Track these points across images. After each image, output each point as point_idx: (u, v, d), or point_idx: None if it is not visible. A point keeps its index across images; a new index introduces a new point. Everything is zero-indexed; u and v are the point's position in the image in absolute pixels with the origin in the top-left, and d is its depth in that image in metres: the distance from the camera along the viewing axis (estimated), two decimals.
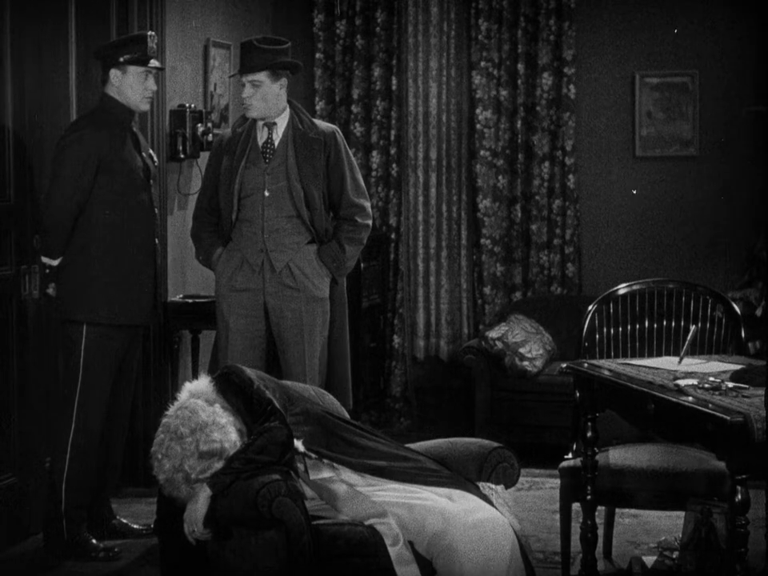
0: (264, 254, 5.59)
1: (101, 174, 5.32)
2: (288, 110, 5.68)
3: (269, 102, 5.59)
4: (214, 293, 5.81)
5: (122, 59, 5.38)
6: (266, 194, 5.59)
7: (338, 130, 5.79)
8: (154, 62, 5.45)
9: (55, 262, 5.37)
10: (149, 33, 5.50)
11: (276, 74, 5.59)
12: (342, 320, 5.79)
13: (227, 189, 5.61)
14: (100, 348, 5.35)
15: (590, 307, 5.12)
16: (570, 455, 4.91)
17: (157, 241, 5.55)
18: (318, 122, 5.79)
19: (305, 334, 5.59)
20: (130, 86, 5.41)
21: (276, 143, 5.64)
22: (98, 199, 5.33)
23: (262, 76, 5.56)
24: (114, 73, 5.40)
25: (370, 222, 5.76)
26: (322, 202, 5.63)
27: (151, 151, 5.66)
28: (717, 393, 4.07)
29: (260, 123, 5.65)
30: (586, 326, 5.08)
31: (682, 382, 4.20)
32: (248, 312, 5.61)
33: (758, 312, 7.02)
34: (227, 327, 5.62)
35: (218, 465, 3.88)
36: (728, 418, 3.81)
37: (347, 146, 5.79)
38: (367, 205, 5.75)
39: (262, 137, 5.66)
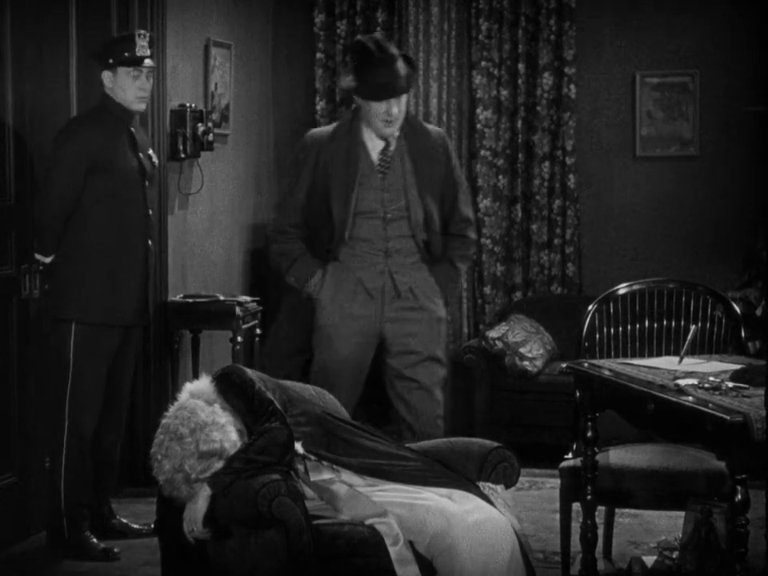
0: (386, 277, 5.07)
1: (93, 172, 5.31)
2: None
3: (404, 113, 5.06)
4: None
5: (111, 61, 5.37)
6: (386, 214, 5.05)
7: (446, 134, 5.34)
8: (146, 61, 5.41)
9: (47, 260, 5.37)
10: (138, 32, 5.46)
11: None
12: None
13: (342, 207, 5.01)
14: (89, 347, 5.34)
15: (590, 307, 5.12)
16: (569, 455, 4.91)
17: (150, 242, 5.53)
18: (426, 125, 5.30)
19: (431, 358, 5.14)
20: (121, 87, 5.39)
21: (391, 154, 5.07)
22: (90, 198, 5.32)
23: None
24: (105, 75, 5.40)
25: (475, 236, 5.36)
26: (440, 224, 5.12)
27: (151, 152, 5.64)
28: (717, 393, 4.07)
29: (372, 133, 5.06)
30: (585, 326, 5.08)
31: (682, 382, 4.20)
32: (361, 340, 5.09)
33: (758, 312, 7.01)
34: (336, 356, 5.08)
35: (218, 465, 3.88)
36: (728, 417, 3.81)
37: (454, 152, 5.36)
38: (473, 216, 5.31)
39: (375, 147, 5.08)
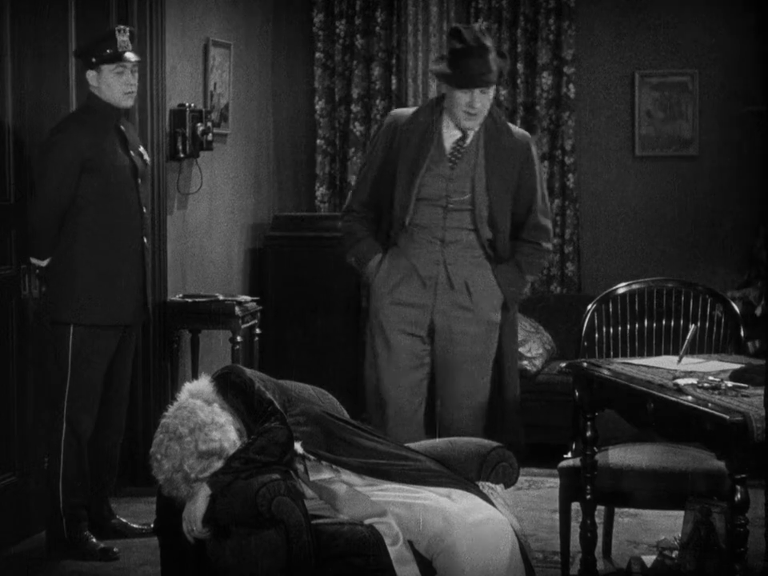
0: (440, 267, 4.97)
1: (85, 174, 5.30)
2: None
3: (488, 107, 4.96)
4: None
5: (93, 60, 5.36)
6: (449, 204, 4.95)
7: (533, 139, 5.19)
8: (128, 56, 5.38)
9: (44, 263, 5.36)
10: (118, 27, 5.42)
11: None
12: (513, 355, 5.19)
13: (405, 191, 4.94)
14: (88, 348, 5.34)
15: (589, 306, 5.12)
16: (569, 455, 4.91)
17: (146, 240, 5.52)
18: (512, 127, 5.11)
19: (475, 363, 5.01)
20: (107, 84, 5.37)
21: (466, 146, 4.96)
22: (83, 199, 5.31)
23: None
24: (90, 74, 5.38)
25: (551, 246, 5.16)
26: (509, 225, 4.99)
27: (142, 149, 5.61)
28: (716, 392, 4.07)
29: (452, 122, 4.96)
30: (585, 326, 5.08)
31: (681, 382, 4.20)
32: (412, 329, 5.00)
33: (758, 311, 7.02)
34: (387, 344, 5.01)
35: (218, 464, 3.88)
36: (727, 417, 3.81)
37: (537, 158, 5.13)
38: (550, 225, 5.12)
39: (451, 136, 4.98)
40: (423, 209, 4.93)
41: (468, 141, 4.93)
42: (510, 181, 4.94)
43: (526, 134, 5.15)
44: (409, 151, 4.93)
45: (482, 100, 4.86)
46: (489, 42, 4.87)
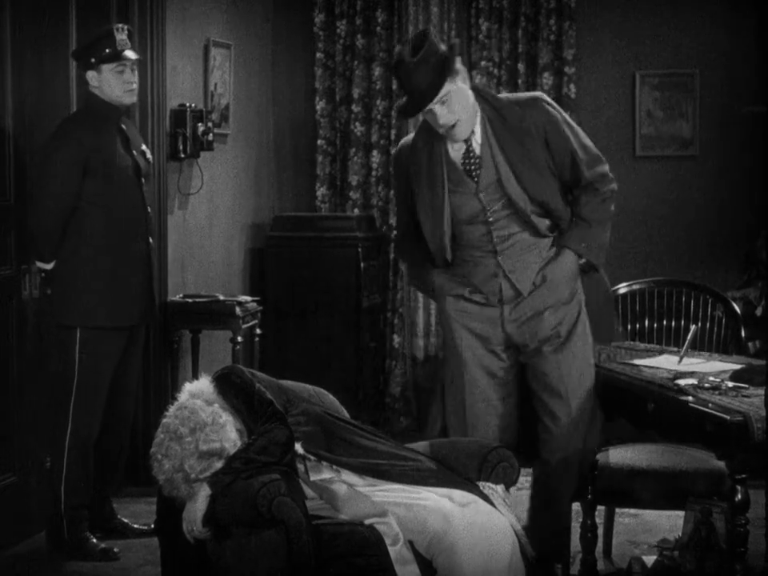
0: (501, 279, 4.50)
1: (88, 175, 5.28)
2: (476, 102, 4.44)
3: (468, 107, 4.39)
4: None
5: (93, 60, 5.35)
6: (489, 217, 4.47)
7: (541, 97, 4.55)
8: (127, 54, 5.37)
9: (49, 266, 5.35)
10: (116, 26, 5.41)
11: (453, 72, 4.35)
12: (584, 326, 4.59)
13: (434, 225, 4.49)
14: (94, 350, 5.33)
15: None
16: None
17: (151, 240, 5.52)
18: (513, 97, 4.58)
19: (573, 359, 4.53)
20: (108, 84, 5.36)
21: (478, 152, 4.46)
22: (86, 201, 5.30)
23: (446, 88, 4.32)
24: (90, 75, 5.37)
25: (613, 186, 4.61)
26: (561, 199, 4.49)
27: (144, 147, 5.60)
28: (717, 392, 4.07)
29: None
30: None
31: (681, 382, 4.20)
32: (486, 345, 4.55)
33: (758, 311, 7.03)
34: (463, 362, 4.55)
35: (218, 464, 3.88)
36: (728, 417, 3.81)
37: (560, 110, 4.55)
38: (605, 169, 4.57)
39: (456, 150, 4.47)
40: (466, 228, 4.50)
41: (475, 144, 4.44)
42: (539, 157, 4.42)
43: (533, 94, 4.59)
44: (423, 184, 4.50)
45: (443, 111, 4.33)
46: (426, 50, 4.28)
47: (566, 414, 4.53)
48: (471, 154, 4.45)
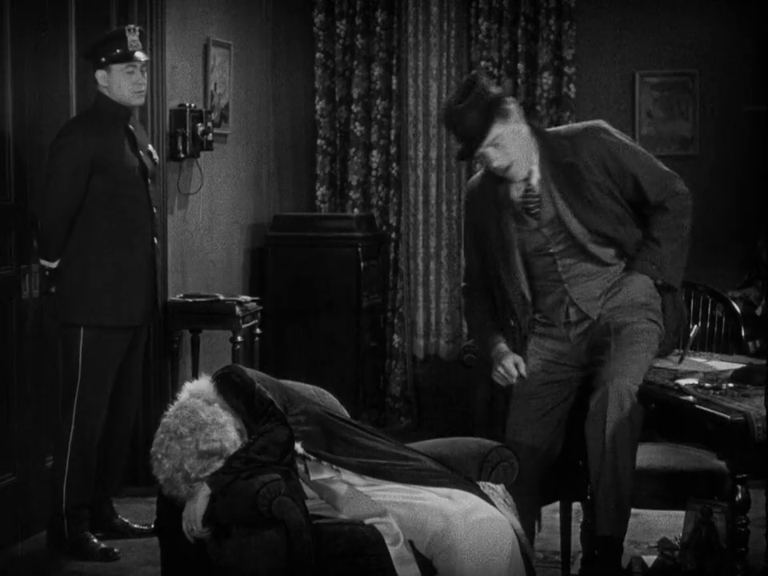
0: (567, 305, 4.50)
1: (95, 174, 5.29)
2: (532, 140, 4.45)
3: (523, 147, 4.40)
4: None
5: (103, 59, 5.35)
6: (551, 249, 4.47)
7: (594, 126, 4.50)
8: (138, 55, 5.38)
9: (54, 265, 5.35)
10: (128, 27, 5.43)
11: (504, 114, 4.37)
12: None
13: (506, 262, 4.49)
14: (98, 350, 5.34)
15: None
16: None
17: (156, 240, 5.52)
18: (565, 130, 4.58)
19: (632, 342, 4.39)
20: (117, 84, 5.37)
21: (537, 190, 4.44)
22: (93, 200, 5.30)
23: (495, 131, 4.35)
24: (100, 74, 5.37)
25: (688, 203, 4.58)
26: (622, 226, 4.45)
27: (151, 148, 5.61)
28: (717, 392, 4.07)
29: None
30: None
31: (682, 382, 4.20)
32: (555, 378, 4.54)
33: (758, 311, 7.02)
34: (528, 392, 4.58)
35: (218, 464, 3.88)
36: (728, 417, 3.81)
37: (617, 135, 4.50)
38: (677, 186, 4.54)
39: (518, 188, 4.45)
40: (532, 261, 4.50)
41: (534, 182, 4.42)
42: (593, 190, 4.39)
43: (586, 125, 4.55)
44: (490, 228, 4.50)
45: (496, 154, 4.36)
46: (470, 97, 4.34)
47: (619, 349, 4.35)
48: (530, 193, 4.44)
